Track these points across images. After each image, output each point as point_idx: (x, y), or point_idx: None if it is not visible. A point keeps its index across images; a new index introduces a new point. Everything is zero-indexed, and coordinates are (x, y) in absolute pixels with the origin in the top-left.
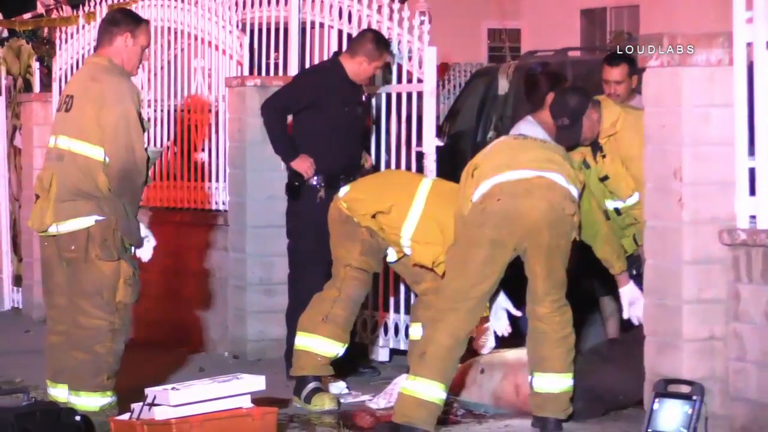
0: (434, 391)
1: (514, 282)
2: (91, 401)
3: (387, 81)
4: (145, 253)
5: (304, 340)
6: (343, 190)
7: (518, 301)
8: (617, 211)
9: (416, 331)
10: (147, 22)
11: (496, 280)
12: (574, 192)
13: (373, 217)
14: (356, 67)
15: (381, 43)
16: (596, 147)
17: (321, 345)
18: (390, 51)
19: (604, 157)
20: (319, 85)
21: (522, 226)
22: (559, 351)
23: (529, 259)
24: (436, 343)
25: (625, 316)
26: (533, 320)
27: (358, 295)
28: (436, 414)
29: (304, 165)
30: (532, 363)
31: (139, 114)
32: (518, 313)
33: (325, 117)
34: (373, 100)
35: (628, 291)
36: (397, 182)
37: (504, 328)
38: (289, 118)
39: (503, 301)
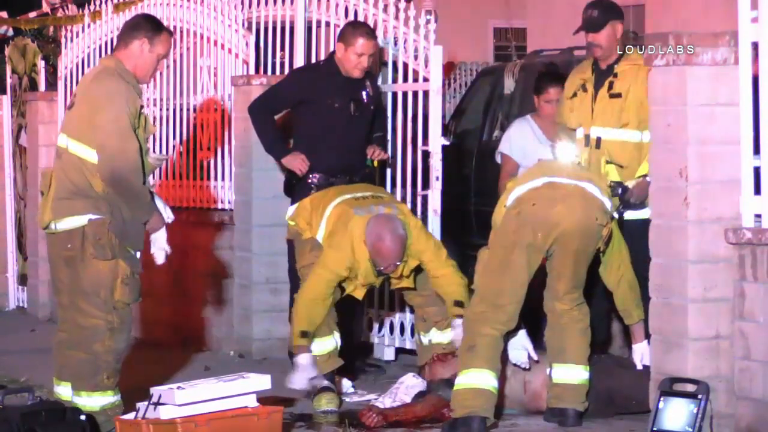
0: (488, 380)
1: (533, 321)
2: (91, 401)
3: (395, 80)
4: (158, 255)
5: None
6: (290, 210)
7: (536, 340)
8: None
9: (426, 339)
10: (170, 32)
11: (527, 283)
12: (608, 204)
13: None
14: (339, 58)
15: (356, 27)
16: (607, 73)
17: (313, 347)
18: (369, 36)
19: (614, 78)
20: (304, 83)
21: (556, 232)
22: (579, 342)
23: (554, 260)
24: (483, 335)
25: (639, 367)
26: (552, 315)
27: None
28: (493, 402)
29: (295, 162)
30: (552, 354)
31: (142, 117)
32: (536, 358)
33: (313, 114)
34: None
35: (640, 348)
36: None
37: (524, 362)
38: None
39: (524, 340)
